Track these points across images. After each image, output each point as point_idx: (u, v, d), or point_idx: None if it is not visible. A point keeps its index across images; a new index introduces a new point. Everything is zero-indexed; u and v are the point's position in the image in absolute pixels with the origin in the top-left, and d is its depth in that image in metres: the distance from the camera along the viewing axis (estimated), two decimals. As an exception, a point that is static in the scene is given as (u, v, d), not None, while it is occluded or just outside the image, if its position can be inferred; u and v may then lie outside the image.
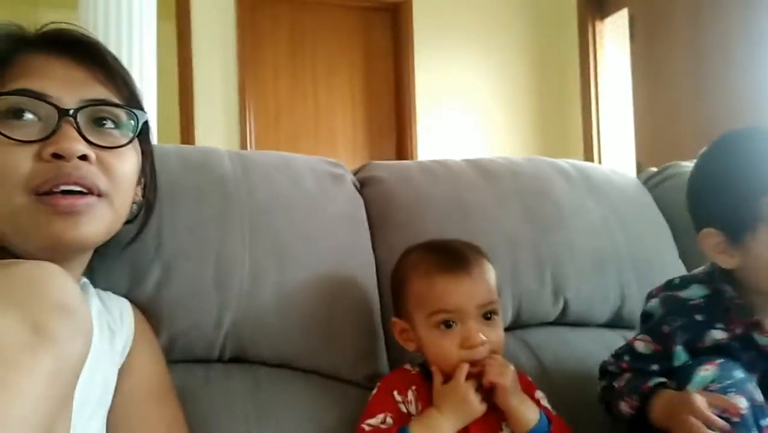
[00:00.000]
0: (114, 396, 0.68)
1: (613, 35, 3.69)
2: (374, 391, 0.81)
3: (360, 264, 0.97)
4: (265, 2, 3.43)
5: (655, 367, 0.83)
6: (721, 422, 0.69)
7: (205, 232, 0.88)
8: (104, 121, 0.65)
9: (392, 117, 3.71)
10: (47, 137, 0.60)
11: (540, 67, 3.89)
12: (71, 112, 0.61)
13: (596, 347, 1.05)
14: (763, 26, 2.66)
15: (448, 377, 0.78)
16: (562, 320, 1.08)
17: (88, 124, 0.64)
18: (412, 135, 3.59)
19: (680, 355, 0.82)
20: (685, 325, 0.82)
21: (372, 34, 3.70)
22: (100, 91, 0.65)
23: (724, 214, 0.80)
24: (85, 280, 0.73)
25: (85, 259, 0.70)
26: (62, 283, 0.47)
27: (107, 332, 0.70)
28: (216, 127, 3.23)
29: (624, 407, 0.81)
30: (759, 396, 0.74)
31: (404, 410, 0.78)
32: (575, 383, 0.98)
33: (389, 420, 0.76)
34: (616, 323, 1.11)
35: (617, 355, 0.89)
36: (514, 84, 3.83)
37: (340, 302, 0.92)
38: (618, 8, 3.56)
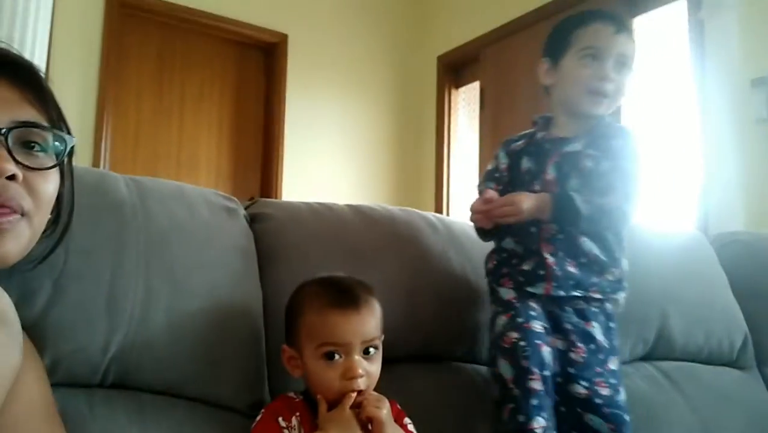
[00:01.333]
0: (1, 418, 0.66)
1: (466, 103, 4.09)
2: (258, 417, 0.85)
3: (249, 295, 1.02)
4: (135, 19, 3.32)
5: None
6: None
7: (99, 255, 0.87)
8: (33, 144, 0.66)
9: (259, 153, 3.72)
10: None
11: (401, 123, 4.17)
12: (3, 131, 0.62)
13: (454, 376, 1.18)
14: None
15: (330, 404, 0.85)
16: (425, 353, 1.20)
17: (17, 144, 0.65)
18: (279, 175, 3.63)
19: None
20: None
21: (245, 70, 3.73)
22: (31, 113, 0.66)
23: (550, 46, 1.19)
24: None
25: None
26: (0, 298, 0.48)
27: None
28: (68, 141, 3.01)
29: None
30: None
31: None
32: (435, 408, 1.09)
33: None
34: (471, 358, 1.25)
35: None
36: (377, 137, 4.06)
37: (228, 331, 0.96)
38: (471, 80, 3.97)
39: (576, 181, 1.09)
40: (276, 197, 3.58)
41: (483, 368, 1.21)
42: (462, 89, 4.09)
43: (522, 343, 1.02)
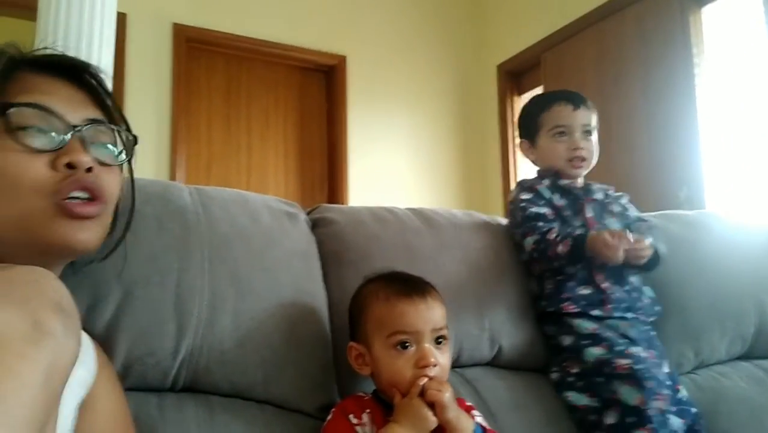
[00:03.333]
0: (77, 431, 0.67)
1: (530, 110, 3.99)
2: (330, 416, 0.84)
3: (314, 297, 1.01)
4: (202, 53, 3.47)
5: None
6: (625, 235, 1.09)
7: (165, 260, 0.89)
8: (103, 140, 0.70)
9: (324, 172, 3.78)
10: (59, 149, 0.64)
11: (465, 134, 4.13)
12: (77, 127, 0.66)
13: (530, 381, 1.13)
14: (659, 108, 2.99)
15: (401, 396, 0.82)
16: (498, 363, 1.16)
17: (89, 141, 0.67)
18: (344, 198, 3.66)
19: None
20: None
21: (307, 94, 3.81)
22: (98, 113, 0.70)
23: (523, 128, 1.36)
24: None
25: (59, 273, 0.70)
26: (57, 285, 0.49)
27: None
28: (145, 172, 3.16)
29: (561, 248, 1.13)
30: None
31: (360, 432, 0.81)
32: (510, 410, 1.05)
33: None
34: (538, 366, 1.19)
35: (533, 226, 1.20)
36: (441, 149, 4.03)
37: (295, 334, 0.95)
38: (534, 86, 3.88)
39: (612, 221, 1.25)
40: (343, 216, 3.60)
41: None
42: (525, 96, 4.01)
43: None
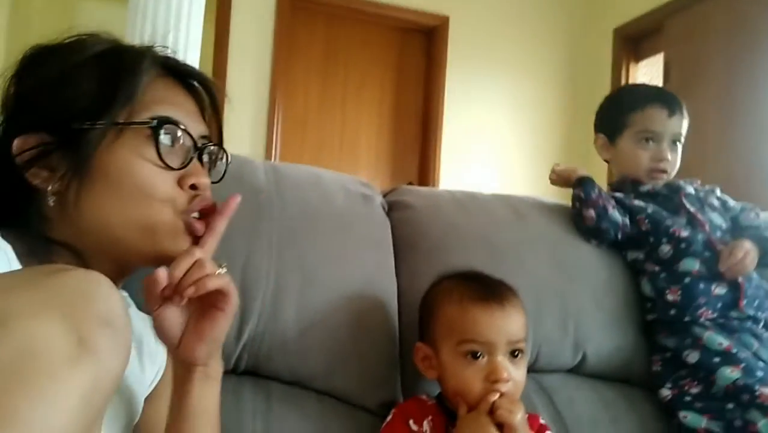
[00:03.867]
0: (141, 422, 0.67)
1: (647, 79, 3.68)
2: (389, 418, 0.80)
3: (383, 289, 0.96)
4: (304, 12, 3.47)
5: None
6: None
7: (233, 242, 0.87)
8: (213, 159, 0.72)
9: (418, 139, 3.71)
10: (184, 166, 0.65)
11: (572, 103, 3.88)
12: (200, 146, 0.68)
13: (610, 394, 1.04)
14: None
15: (470, 411, 0.76)
16: (579, 371, 1.07)
17: (206, 161, 0.70)
18: (436, 159, 3.59)
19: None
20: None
21: (405, 55, 3.72)
22: (205, 128, 0.70)
23: (604, 122, 1.27)
24: (125, 293, 0.72)
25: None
26: (110, 295, 0.47)
27: (140, 356, 0.70)
28: (243, 130, 3.25)
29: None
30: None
31: None
32: (588, 425, 0.96)
33: None
34: (629, 378, 1.09)
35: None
36: (542, 122, 3.82)
37: (361, 326, 0.91)
38: (654, 53, 3.56)
39: (715, 216, 1.15)
40: (434, 183, 3.53)
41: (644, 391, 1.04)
42: (642, 63, 3.69)
43: None
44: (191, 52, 1.60)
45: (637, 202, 1.15)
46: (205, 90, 0.72)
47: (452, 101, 3.64)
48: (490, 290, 0.81)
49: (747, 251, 1.05)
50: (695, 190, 1.19)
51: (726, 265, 1.04)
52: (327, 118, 3.53)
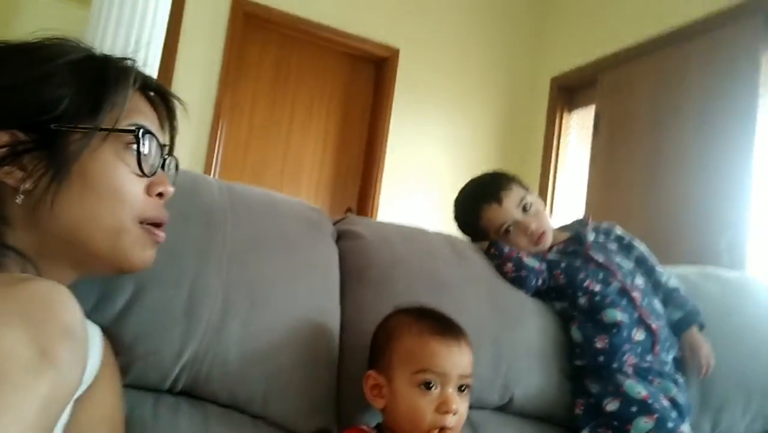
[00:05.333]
0: (68, 426, 0.66)
1: (578, 127, 3.90)
2: None
3: (327, 316, 0.98)
4: (256, 30, 3.47)
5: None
6: None
7: (184, 259, 0.87)
8: (168, 165, 0.76)
9: (360, 165, 3.75)
10: (153, 174, 0.69)
11: (507, 144, 4.06)
12: (165, 157, 0.72)
13: (534, 431, 1.08)
14: (717, 144, 2.88)
15: None
16: (505, 409, 1.10)
17: (167, 169, 0.75)
18: (376, 189, 3.63)
19: None
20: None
21: (354, 83, 3.78)
22: (164, 139, 0.74)
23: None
24: None
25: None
26: (72, 307, 0.48)
27: None
28: (183, 147, 3.15)
29: None
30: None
31: None
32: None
33: None
34: (552, 417, 1.13)
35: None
36: (479, 161, 3.96)
37: (302, 352, 0.92)
38: (587, 104, 3.78)
39: (622, 259, 1.24)
40: (372, 213, 3.58)
41: (563, 431, 1.10)
42: (576, 112, 3.91)
43: None
44: (151, 61, 1.58)
45: (552, 257, 1.22)
46: (164, 103, 0.75)
47: (396, 133, 3.72)
48: (447, 326, 0.86)
49: (705, 343, 1.17)
50: (595, 234, 1.28)
51: (706, 372, 1.16)
52: (271, 139, 3.51)
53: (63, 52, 0.66)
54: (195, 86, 3.24)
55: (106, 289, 0.81)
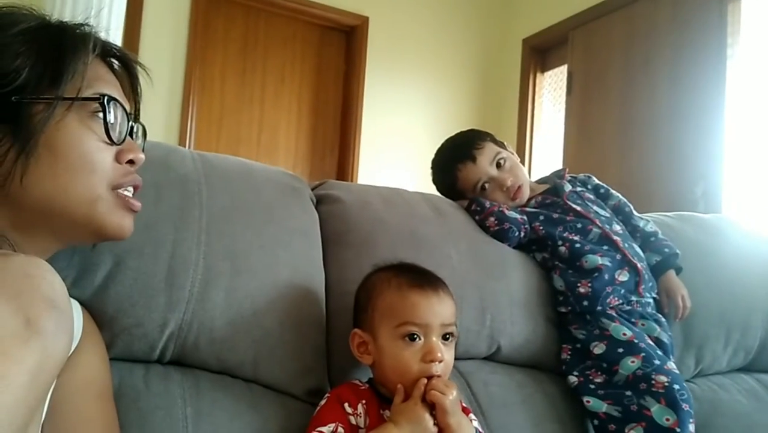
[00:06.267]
0: (54, 392, 0.66)
1: (551, 88, 3.91)
2: (323, 401, 0.82)
3: (311, 279, 0.98)
4: (221, 2, 3.39)
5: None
6: None
7: (160, 230, 0.86)
8: (136, 133, 0.76)
9: (336, 135, 3.73)
10: (122, 142, 0.68)
11: (482, 108, 4.05)
12: (133, 124, 0.72)
13: (522, 377, 1.10)
14: (689, 95, 2.91)
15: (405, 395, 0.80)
16: (493, 358, 1.13)
17: (136, 137, 0.75)
18: (354, 158, 3.62)
19: None
20: None
21: (325, 53, 3.73)
22: (130, 106, 0.72)
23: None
24: None
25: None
26: (53, 280, 0.48)
27: None
28: (156, 123, 3.13)
29: None
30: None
31: (353, 422, 0.79)
32: (501, 406, 1.03)
33: (341, 430, 0.77)
34: (542, 365, 1.16)
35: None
36: (455, 122, 3.96)
37: (289, 315, 0.92)
38: (558, 64, 3.78)
39: (597, 209, 1.26)
40: (351, 181, 3.57)
41: (552, 375, 1.12)
42: (548, 73, 3.91)
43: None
44: (114, 31, 1.53)
45: (530, 209, 1.24)
46: (126, 70, 0.74)
47: (371, 101, 3.69)
48: (425, 278, 0.86)
49: (681, 287, 1.20)
50: (572, 185, 1.30)
51: (683, 315, 1.19)
52: (245, 113, 3.47)
53: (15, 21, 0.63)
54: (162, 64, 3.17)
55: (84, 263, 0.80)
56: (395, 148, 3.76)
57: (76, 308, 0.74)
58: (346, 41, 3.77)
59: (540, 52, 3.91)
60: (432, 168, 1.35)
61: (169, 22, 3.21)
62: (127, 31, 2.99)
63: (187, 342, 0.86)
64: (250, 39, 3.50)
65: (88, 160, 0.64)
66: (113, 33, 1.50)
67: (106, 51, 0.71)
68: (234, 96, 3.45)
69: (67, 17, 0.70)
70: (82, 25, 0.68)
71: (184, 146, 3.18)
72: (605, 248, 1.16)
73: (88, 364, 0.71)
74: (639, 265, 1.15)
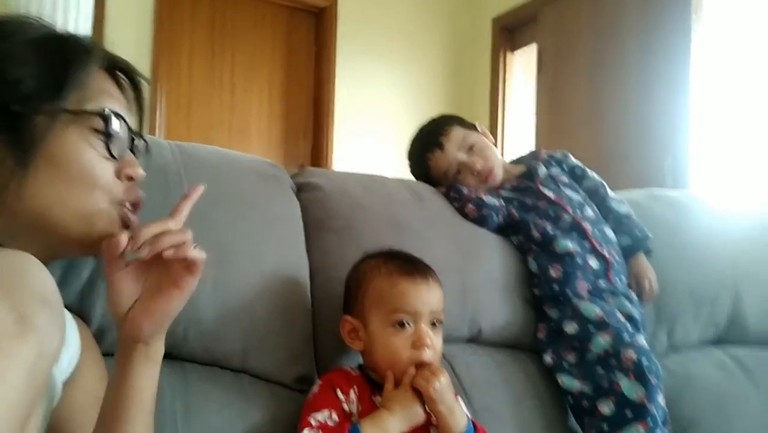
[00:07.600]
0: (60, 408, 0.66)
1: (522, 66, 3.93)
2: (315, 388, 0.83)
3: (295, 267, 0.99)
4: (186, -14, 3.32)
5: None
6: None
7: (143, 222, 0.86)
8: (137, 148, 0.74)
9: (310, 120, 3.70)
10: (121, 157, 0.67)
11: (454, 88, 4.06)
12: (134, 140, 0.70)
13: (502, 357, 1.13)
14: (656, 70, 2.96)
15: (396, 382, 0.82)
16: (475, 341, 1.15)
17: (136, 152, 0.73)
18: (329, 142, 3.60)
19: None
20: None
21: (295, 34, 3.68)
22: (133, 122, 0.71)
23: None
24: None
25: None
26: (44, 276, 0.48)
27: None
28: (123, 108, 3.06)
29: None
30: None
31: (346, 408, 0.81)
32: (483, 386, 1.05)
33: (335, 417, 0.78)
34: (521, 345, 1.18)
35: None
36: (428, 102, 3.96)
37: (275, 304, 0.93)
38: (528, 42, 3.81)
39: (571, 193, 1.27)
40: (326, 165, 3.56)
41: (531, 355, 1.16)
42: (518, 52, 3.93)
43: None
44: (83, 20, 1.48)
45: (505, 194, 1.25)
46: (131, 85, 0.73)
47: (343, 83, 3.67)
48: (415, 265, 0.88)
49: (649, 270, 1.23)
50: (547, 168, 1.30)
51: (651, 297, 1.22)
52: (215, 98, 3.42)
53: (22, 30, 0.62)
54: (128, 49, 3.08)
55: (69, 263, 0.80)
56: (370, 130, 3.75)
57: (71, 322, 0.73)
58: (316, 23, 3.73)
59: (509, 31, 3.93)
60: (407, 159, 1.35)
61: (134, 9, 3.13)
62: (94, 20, 2.91)
63: (176, 335, 0.86)
64: (218, 23, 3.44)
65: (88, 174, 0.63)
66: (82, 22, 1.46)
67: (111, 64, 0.70)
68: (203, 81, 3.39)
69: (34, 7, 0.69)
70: (88, 37, 0.67)
71: (155, 133, 3.14)
72: (575, 234, 1.19)
73: (92, 382, 0.71)
74: (607, 255, 1.17)
